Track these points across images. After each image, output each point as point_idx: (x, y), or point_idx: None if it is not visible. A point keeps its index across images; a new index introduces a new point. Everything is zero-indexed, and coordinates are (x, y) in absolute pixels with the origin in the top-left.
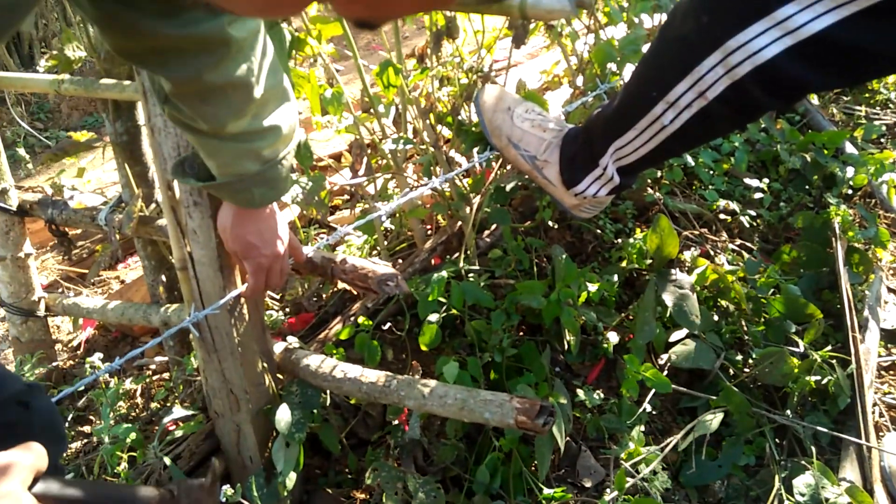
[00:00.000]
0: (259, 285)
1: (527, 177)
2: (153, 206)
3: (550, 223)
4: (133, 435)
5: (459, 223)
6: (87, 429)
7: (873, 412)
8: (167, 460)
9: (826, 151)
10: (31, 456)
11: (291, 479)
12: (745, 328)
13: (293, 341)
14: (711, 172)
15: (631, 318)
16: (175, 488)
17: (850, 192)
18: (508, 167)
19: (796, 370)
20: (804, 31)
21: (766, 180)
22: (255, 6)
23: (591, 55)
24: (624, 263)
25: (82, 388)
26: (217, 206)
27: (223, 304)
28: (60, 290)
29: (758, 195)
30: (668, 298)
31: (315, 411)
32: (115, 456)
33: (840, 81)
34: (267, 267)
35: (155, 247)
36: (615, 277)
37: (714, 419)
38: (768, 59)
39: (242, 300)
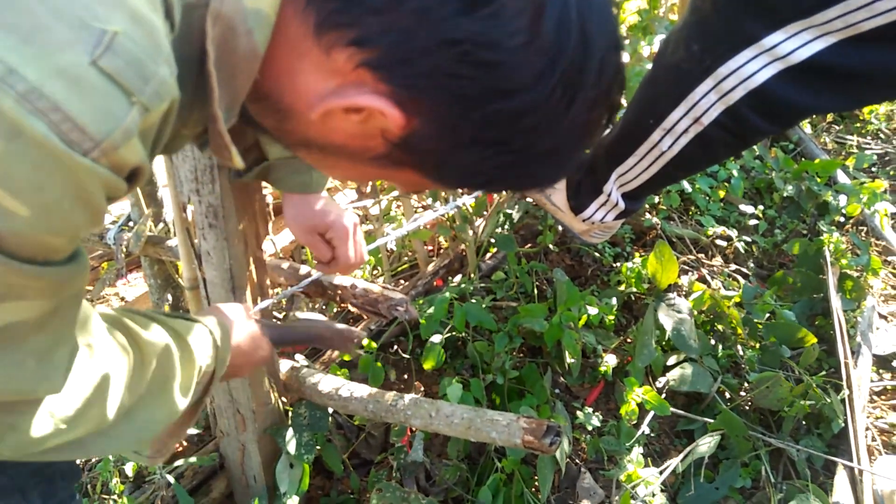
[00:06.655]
0: (347, 255)
1: (534, 203)
2: (161, 225)
3: (551, 246)
4: None
5: (462, 245)
6: None
7: (866, 436)
8: (171, 478)
9: (819, 179)
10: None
11: (294, 501)
12: (742, 352)
13: (300, 360)
14: (708, 198)
15: (629, 340)
16: (329, 330)
17: (842, 219)
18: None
19: (791, 394)
20: (793, 57)
21: (761, 207)
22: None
23: None
24: (622, 287)
25: None
26: (232, 228)
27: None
28: None
29: (753, 221)
30: (666, 323)
31: (320, 433)
32: (114, 473)
33: (837, 104)
34: (353, 233)
35: (162, 266)
36: (613, 301)
37: (711, 442)
38: (760, 84)
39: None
